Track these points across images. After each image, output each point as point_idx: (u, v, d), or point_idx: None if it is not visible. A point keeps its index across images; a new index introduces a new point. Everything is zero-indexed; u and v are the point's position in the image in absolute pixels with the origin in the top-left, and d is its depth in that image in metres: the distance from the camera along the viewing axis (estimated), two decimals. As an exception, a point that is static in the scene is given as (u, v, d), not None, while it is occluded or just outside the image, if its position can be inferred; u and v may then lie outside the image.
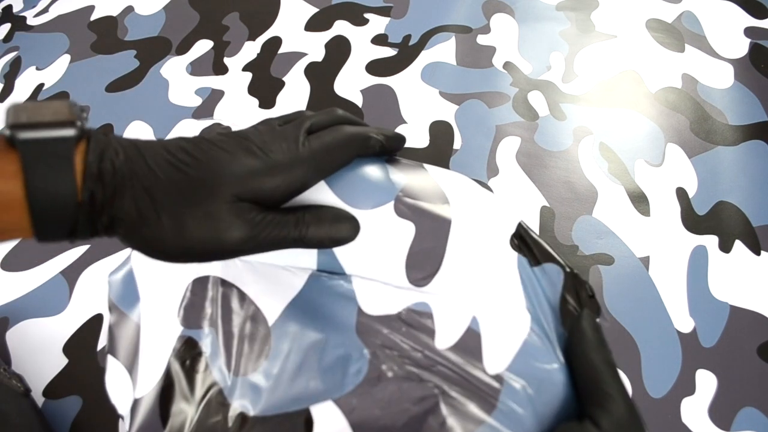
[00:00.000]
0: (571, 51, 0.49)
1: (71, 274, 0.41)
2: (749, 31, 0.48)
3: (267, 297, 0.25)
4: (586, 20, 0.51)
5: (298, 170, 0.22)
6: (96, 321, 0.39)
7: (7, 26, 0.61)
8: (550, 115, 0.45)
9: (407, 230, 0.24)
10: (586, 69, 0.47)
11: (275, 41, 0.53)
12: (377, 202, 0.24)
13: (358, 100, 0.47)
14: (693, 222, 0.38)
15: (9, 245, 0.43)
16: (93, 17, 0.60)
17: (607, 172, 0.41)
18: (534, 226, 0.39)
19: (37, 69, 0.56)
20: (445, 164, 0.43)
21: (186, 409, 0.25)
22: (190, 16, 0.57)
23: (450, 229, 0.25)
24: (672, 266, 0.37)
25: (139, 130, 0.48)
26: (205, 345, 0.26)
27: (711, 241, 0.37)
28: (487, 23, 0.51)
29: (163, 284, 0.28)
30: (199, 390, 0.25)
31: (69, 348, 0.38)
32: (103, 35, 0.57)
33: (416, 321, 0.23)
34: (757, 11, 0.50)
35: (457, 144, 0.44)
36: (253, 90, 0.50)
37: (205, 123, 0.48)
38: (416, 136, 0.44)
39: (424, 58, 0.49)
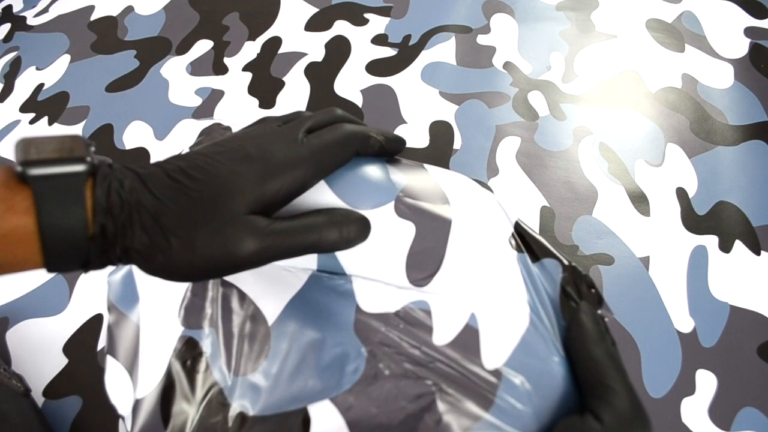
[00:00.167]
0: (571, 51, 0.49)
1: (71, 275, 0.41)
2: (749, 31, 0.48)
3: (267, 297, 0.25)
4: (586, 20, 0.51)
5: (299, 170, 0.22)
6: (96, 321, 0.39)
7: (7, 26, 0.61)
8: (550, 115, 0.45)
9: (407, 230, 0.24)
10: (586, 69, 0.47)
11: (275, 41, 0.53)
12: (378, 202, 0.24)
13: (358, 100, 0.47)
14: (693, 222, 0.38)
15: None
16: (93, 17, 0.60)
17: (607, 172, 0.41)
18: (534, 226, 0.39)
19: (37, 69, 0.56)
20: (445, 164, 0.43)
21: (187, 410, 0.25)
22: (190, 16, 0.57)
23: (450, 229, 0.25)
24: (672, 266, 0.37)
25: (139, 130, 0.48)
26: (206, 345, 0.26)
27: (711, 241, 0.37)
28: (487, 23, 0.51)
29: (163, 285, 0.28)
30: (200, 390, 0.25)
31: (69, 348, 0.38)
32: (103, 35, 0.57)
33: (414, 318, 0.23)
34: (757, 11, 0.50)
35: (457, 144, 0.44)
36: (253, 90, 0.50)
37: (205, 123, 0.48)
38: (416, 136, 0.44)
39: (424, 58, 0.49)
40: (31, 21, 0.61)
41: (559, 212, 0.39)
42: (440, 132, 0.44)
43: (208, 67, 0.52)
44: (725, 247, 0.37)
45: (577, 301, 0.24)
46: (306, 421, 0.23)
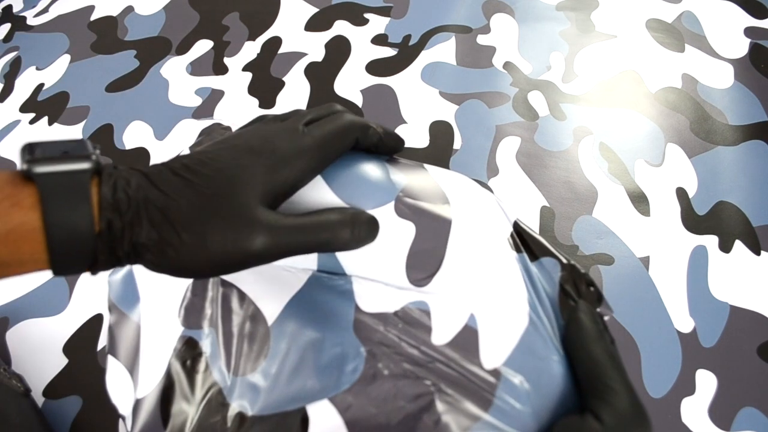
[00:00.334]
0: (571, 51, 0.49)
1: (71, 274, 0.41)
2: (749, 31, 0.48)
3: (266, 297, 0.25)
4: (586, 20, 0.51)
5: (303, 159, 0.22)
6: (96, 321, 0.39)
7: (7, 26, 0.61)
8: (550, 115, 0.45)
9: (408, 230, 0.24)
10: (586, 69, 0.47)
11: (275, 41, 0.53)
12: (378, 202, 0.24)
13: (358, 100, 0.47)
14: (693, 222, 0.38)
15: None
16: (93, 17, 0.60)
17: (607, 172, 0.41)
18: (534, 226, 0.39)
19: (37, 69, 0.56)
20: (445, 164, 0.43)
21: (187, 410, 0.25)
22: (190, 16, 0.57)
23: (450, 229, 0.25)
24: (672, 266, 0.37)
25: (139, 130, 0.48)
26: (206, 345, 0.26)
27: (711, 241, 0.37)
28: (487, 23, 0.51)
29: (163, 284, 0.28)
30: (200, 390, 0.25)
31: (69, 348, 0.38)
32: (103, 35, 0.57)
33: (413, 318, 0.23)
34: (757, 11, 0.50)
35: (457, 144, 0.44)
36: (253, 90, 0.50)
37: (205, 123, 0.48)
38: (416, 136, 0.44)
39: (424, 58, 0.49)
40: (31, 21, 0.61)
41: (559, 212, 0.39)
42: (440, 132, 0.44)
43: (208, 67, 0.52)
44: (725, 247, 0.37)
45: (576, 299, 0.24)
46: (305, 421, 0.23)
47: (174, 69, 0.53)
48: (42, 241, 0.17)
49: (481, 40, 0.50)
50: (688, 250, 0.37)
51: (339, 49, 0.51)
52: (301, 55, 0.52)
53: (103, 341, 0.38)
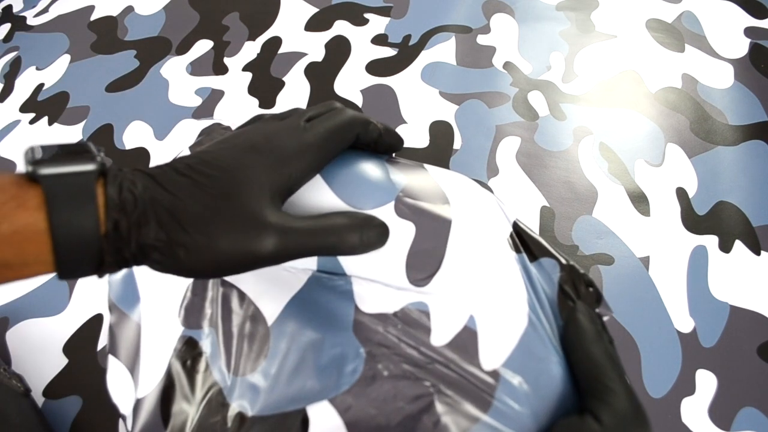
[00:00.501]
0: (571, 51, 0.49)
1: (71, 274, 0.41)
2: (749, 31, 0.48)
3: (266, 297, 0.25)
4: (586, 20, 0.51)
5: (307, 155, 0.22)
6: (96, 321, 0.39)
7: (7, 26, 0.61)
8: (550, 115, 0.45)
9: (407, 230, 0.24)
10: (586, 69, 0.47)
11: (275, 41, 0.53)
12: (378, 202, 0.24)
13: (358, 100, 0.47)
14: (693, 222, 0.38)
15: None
16: (93, 17, 0.60)
17: (607, 172, 0.41)
18: (534, 226, 0.39)
19: (37, 69, 0.56)
20: (445, 164, 0.43)
21: (187, 410, 0.25)
22: (190, 16, 0.57)
23: (450, 230, 0.25)
24: (672, 266, 0.37)
25: (139, 130, 0.48)
26: (206, 345, 0.26)
27: (711, 241, 0.37)
28: (487, 23, 0.51)
29: (163, 284, 0.28)
30: (200, 390, 0.25)
31: (69, 348, 0.38)
32: (103, 35, 0.57)
33: (413, 319, 0.23)
34: (757, 11, 0.50)
35: (457, 144, 0.44)
36: (253, 90, 0.50)
37: (205, 123, 0.48)
38: (416, 136, 0.44)
39: (424, 58, 0.49)
40: (31, 21, 0.61)
41: (559, 212, 0.39)
42: (440, 132, 0.44)
43: (208, 67, 0.52)
44: (725, 247, 0.37)
45: (575, 300, 0.24)
46: (305, 422, 0.23)
47: (174, 69, 0.53)
48: (47, 242, 0.17)
49: (481, 40, 0.50)
50: (688, 250, 0.37)
51: (339, 49, 0.51)
52: (301, 55, 0.52)
53: (103, 341, 0.38)
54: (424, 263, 0.24)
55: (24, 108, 0.52)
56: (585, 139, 0.43)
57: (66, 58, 0.56)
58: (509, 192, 0.41)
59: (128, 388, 0.26)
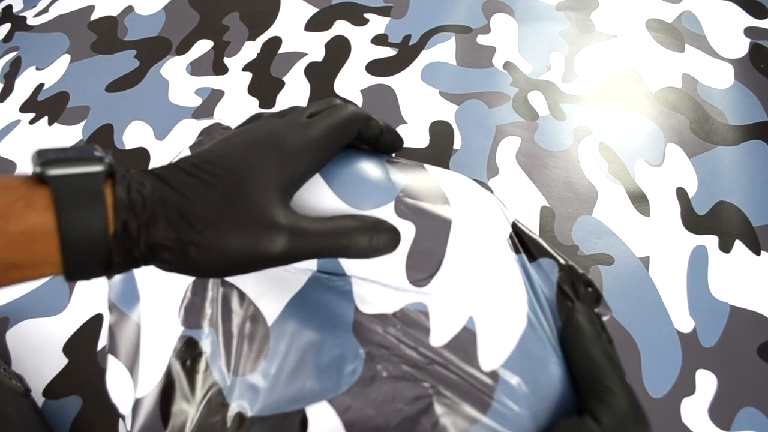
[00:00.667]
0: (571, 51, 0.49)
1: (71, 274, 0.41)
2: (749, 31, 0.48)
3: (266, 297, 0.25)
4: (586, 20, 0.51)
5: (311, 151, 0.22)
6: (96, 321, 0.39)
7: (7, 26, 0.61)
8: (550, 115, 0.45)
9: (407, 231, 0.24)
10: (586, 69, 0.47)
11: (275, 41, 0.53)
12: (378, 202, 0.24)
13: (358, 100, 0.47)
14: (693, 222, 0.38)
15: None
16: (93, 17, 0.60)
17: (607, 172, 0.41)
18: (534, 226, 0.39)
19: (37, 69, 0.56)
20: (445, 164, 0.43)
21: (187, 410, 0.25)
22: (190, 16, 0.57)
23: (450, 230, 0.25)
24: (672, 266, 0.37)
25: (139, 130, 0.48)
26: (206, 345, 0.26)
27: (711, 241, 0.37)
28: (487, 23, 0.51)
29: (163, 284, 0.28)
30: (200, 390, 0.25)
31: (69, 348, 0.38)
32: (103, 35, 0.57)
33: (412, 319, 0.23)
34: (757, 11, 0.50)
35: (457, 144, 0.44)
36: (253, 90, 0.50)
37: (205, 123, 0.48)
38: (416, 136, 0.44)
39: (424, 58, 0.49)
40: (31, 21, 0.61)
41: (559, 212, 0.39)
42: (440, 132, 0.44)
43: (208, 67, 0.52)
44: (725, 247, 0.37)
45: (574, 300, 0.24)
46: (304, 422, 0.23)
47: (174, 69, 0.53)
48: (56, 242, 0.17)
49: (481, 40, 0.50)
50: (688, 250, 0.37)
51: (339, 49, 0.51)
52: (301, 55, 0.52)
53: (103, 341, 0.38)
54: (424, 263, 0.24)
55: (24, 108, 0.52)
56: (585, 139, 0.43)
57: (66, 58, 0.56)
58: (509, 192, 0.41)
59: (128, 388, 0.26)
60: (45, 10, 0.62)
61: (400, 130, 0.45)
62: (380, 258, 0.24)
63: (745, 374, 0.33)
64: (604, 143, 0.43)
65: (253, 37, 0.54)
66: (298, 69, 0.50)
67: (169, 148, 0.47)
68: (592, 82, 0.46)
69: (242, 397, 0.24)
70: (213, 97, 0.50)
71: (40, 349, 0.38)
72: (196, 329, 0.26)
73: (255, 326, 0.25)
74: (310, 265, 0.25)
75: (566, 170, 0.41)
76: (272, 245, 0.19)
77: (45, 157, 0.18)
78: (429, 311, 0.23)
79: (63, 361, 0.37)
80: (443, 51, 0.50)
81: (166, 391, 0.25)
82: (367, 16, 0.54)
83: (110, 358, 0.27)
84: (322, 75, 0.50)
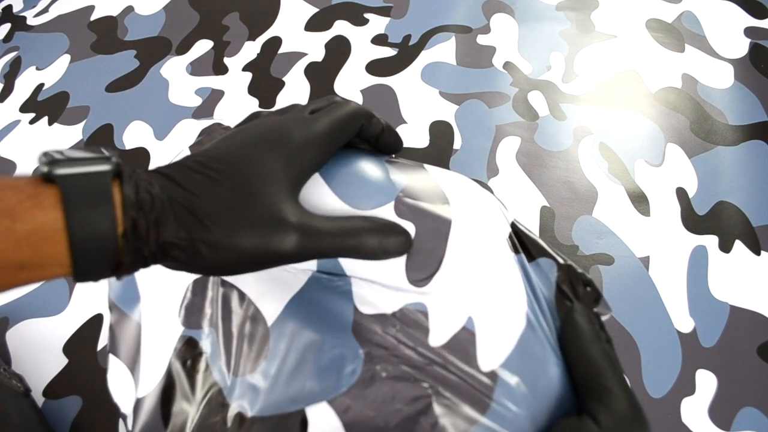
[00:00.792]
0: (571, 51, 0.49)
1: (71, 274, 0.41)
2: (749, 31, 0.48)
3: (266, 297, 0.25)
4: (586, 20, 0.51)
5: (315, 147, 0.22)
6: (96, 321, 0.39)
7: (7, 26, 0.61)
8: (550, 115, 0.45)
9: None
10: (586, 69, 0.47)
11: (275, 41, 0.53)
12: (377, 202, 0.24)
13: (358, 100, 0.47)
14: (693, 222, 0.38)
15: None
16: (93, 17, 0.60)
17: (607, 172, 0.41)
18: (534, 226, 0.39)
19: (37, 69, 0.56)
20: (445, 164, 0.43)
21: (187, 409, 0.25)
22: (190, 16, 0.57)
23: (450, 230, 0.25)
24: (672, 266, 0.37)
25: (139, 130, 0.48)
26: (206, 345, 0.26)
27: (711, 241, 0.37)
28: (487, 23, 0.51)
29: (164, 284, 0.28)
30: (200, 390, 0.25)
31: (69, 348, 0.38)
32: (103, 35, 0.57)
33: (411, 320, 0.23)
34: (757, 11, 0.50)
35: (457, 144, 0.44)
36: (253, 90, 0.50)
37: (205, 123, 0.48)
38: (416, 136, 0.44)
39: (424, 58, 0.49)
40: (31, 21, 0.61)
41: (559, 212, 0.39)
42: (440, 132, 0.44)
43: (208, 67, 0.52)
44: (725, 247, 0.37)
45: (572, 299, 0.24)
46: (304, 423, 0.23)
47: (174, 69, 0.53)
48: (64, 242, 0.17)
49: (481, 40, 0.50)
50: (688, 250, 0.37)
51: (339, 49, 0.51)
52: (301, 55, 0.52)
53: (102, 341, 0.38)
54: (423, 263, 0.24)
55: (24, 108, 0.52)
56: (585, 139, 0.43)
57: (66, 58, 0.56)
58: (509, 192, 0.41)
59: (129, 388, 0.26)
60: (45, 10, 0.62)
61: (400, 130, 0.45)
62: (380, 258, 0.24)
63: (745, 374, 0.33)
64: (604, 143, 0.43)
65: (253, 37, 0.54)
66: (298, 69, 0.50)
67: (169, 148, 0.47)
68: (592, 82, 0.46)
69: (242, 397, 0.24)
70: (213, 97, 0.50)
71: (40, 349, 0.38)
72: (196, 329, 0.26)
73: (255, 326, 0.25)
74: (310, 264, 0.25)
75: (566, 170, 0.41)
76: (283, 243, 0.19)
77: (52, 157, 0.18)
78: (428, 311, 0.23)
79: (63, 361, 0.37)
80: (443, 51, 0.50)
81: (167, 391, 0.25)
82: (367, 16, 0.54)
83: (111, 357, 0.27)
84: (322, 75, 0.50)
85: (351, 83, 0.48)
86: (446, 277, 0.24)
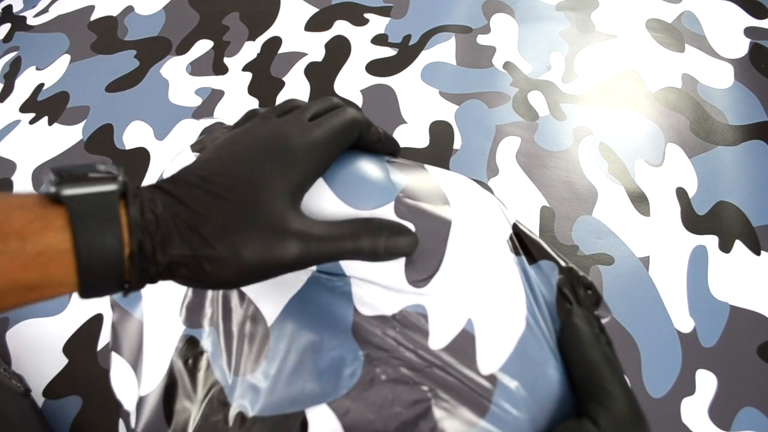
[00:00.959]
0: (571, 51, 0.49)
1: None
2: (749, 31, 0.48)
3: (266, 297, 0.25)
4: (586, 20, 0.51)
5: (316, 155, 0.22)
6: (96, 321, 0.39)
7: (7, 26, 0.61)
8: (550, 115, 0.45)
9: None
10: (586, 69, 0.47)
11: (275, 41, 0.53)
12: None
13: (358, 100, 0.47)
14: (693, 222, 0.38)
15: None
16: (93, 17, 0.60)
17: (607, 172, 0.41)
18: (534, 226, 0.39)
19: (37, 69, 0.56)
20: (445, 164, 0.43)
21: (189, 408, 0.25)
22: (190, 16, 0.57)
23: (450, 230, 0.25)
24: (672, 266, 0.37)
25: (139, 130, 0.48)
26: (207, 344, 0.26)
27: (711, 241, 0.37)
28: (487, 23, 0.51)
29: (165, 283, 0.28)
30: (201, 389, 0.25)
31: (69, 348, 0.38)
32: (103, 35, 0.57)
33: (411, 322, 0.23)
34: (757, 11, 0.50)
35: (457, 144, 0.44)
36: (253, 90, 0.50)
37: (206, 123, 0.48)
38: (416, 136, 0.44)
39: (424, 58, 0.49)
40: (31, 21, 0.61)
41: (559, 212, 0.39)
42: (440, 132, 0.44)
43: (208, 67, 0.52)
44: (725, 247, 0.37)
45: (572, 302, 0.24)
46: (304, 424, 0.23)
47: (174, 69, 0.52)
48: (72, 262, 0.17)
49: (481, 40, 0.50)
50: (688, 250, 0.37)
51: (339, 49, 0.51)
52: (301, 55, 0.52)
53: (102, 341, 0.38)
54: (423, 264, 0.24)
55: (24, 108, 0.52)
56: (585, 139, 0.43)
57: (66, 58, 0.56)
58: (509, 192, 0.41)
59: (132, 385, 0.26)
60: (45, 10, 0.62)
61: (400, 130, 0.45)
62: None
63: (745, 374, 0.33)
64: (604, 143, 0.43)
65: (253, 37, 0.54)
66: (298, 69, 0.50)
67: (169, 148, 0.47)
68: (592, 82, 0.46)
69: (243, 396, 0.24)
70: (213, 97, 0.50)
71: (40, 349, 0.38)
72: (197, 328, 0.26)
73: (255, 326, 0.25)
74: (310, 265, 0.25)
75: (566, 170, 0.41)
76: (285, 252, 0.19)
77: (59, 176, 0.18)
78: (428, 314, 0.23)
79: (63, 361, 0.37)
80: (443, 51, 0.50)
81: (169, 390, 0.25)
82: (367, 16, 0.54)
83: (114, 355, 0.27)
84: (322, 75, 0.50)
85: (351, 83, 0.48)
86: (446, 278, 0.24)
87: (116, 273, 0.18)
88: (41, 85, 0.54)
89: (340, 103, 0.25)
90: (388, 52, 0.50)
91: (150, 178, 0.45)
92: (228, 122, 0.47)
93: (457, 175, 0.28)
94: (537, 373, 0.22)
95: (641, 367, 0.33)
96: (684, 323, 0.35)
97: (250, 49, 0.53)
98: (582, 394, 0.21)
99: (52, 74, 0.55)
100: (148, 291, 0.28)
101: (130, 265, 0.18)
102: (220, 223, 0.19)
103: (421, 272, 0.24)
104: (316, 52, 0.52)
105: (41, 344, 0.38)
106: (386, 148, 0.27)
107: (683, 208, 0.39)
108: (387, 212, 0.24)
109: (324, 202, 0.24)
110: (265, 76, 0.50)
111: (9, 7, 0.63)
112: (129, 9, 0.59)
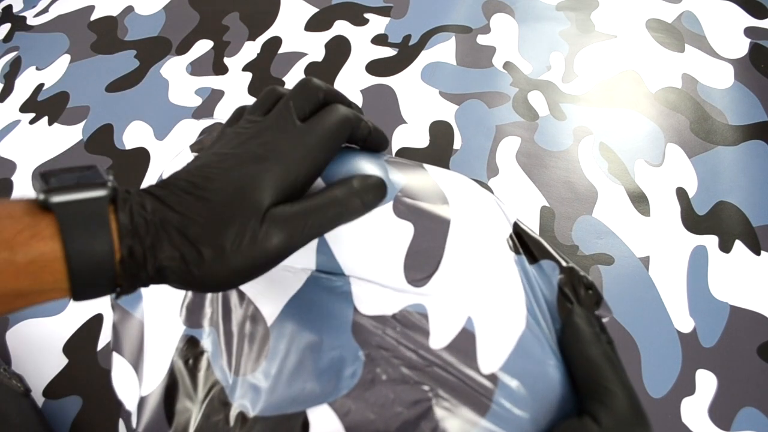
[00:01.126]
0: (571, 51, 0.49)
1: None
2: (749, 31, 0.48)
3: (266, 297, 0.25)
4: (586, 20, 0.51)
5: (310, 160, 0.22)
6: (96, 321, 0.39)
7: (7, 26, 0.61)
8: (550, 115, 0.45)
9: (406, 230, 0.24)
10: (586, 69, 0.47)
11: (275, 41, 0.53)
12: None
13: (358, 100, 0.47)
14: (693, 222, 0.38)
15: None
16: (93, 17, 0.60)
17: (607, 172, 0.41)
18: (534, 226, 0.39)
19: (37, 69, 0.56)
20: (445, 164, 0.43)
21: (190, 408, 0.25)
22: (190, 16, 0.57)
23: (449, 230, 0.25)
24: (672, 266, 0.37)
25: (139, 130, 0.48)
26: (207, 344, 0.26)
27: (711, 241, 0.37)
28: (487, 23, 0.51)
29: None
30: (202, 388, 0.25)
31: (69, 348, 0.38)
32: (103, 35, 0.57)
33: (411, 322, 0.23)
34: (757, 11, 0.50)
35: (457, 144, 0.44)
36: (253, 90, 0.50)
37: (205, 123, 0.48)
38: (416, 136, 0.44)
39: (424, 58, 0.49)
40: (31, 21, 0.61)
41: (559, 212, 0.39)
42: (440, 132, 0.44)
43: (208, 67, 0.52)
44: (725, 247, 0.37)
45: (573, 302, 0.24)
46: (305, 425, 0.23)
47: (174, 69, 0.53)
48: (63, 270, 0.17)
49: (481, 40, 0.50)
50: (688, 250, 0.37)
51: (339, 49, 0.51)
52: (301, 55, 0.52)
53: (102, 341, 0.38)
54: (422, 263, 0.24)
55: (24, 108, 0.52)
56: (585, 139, 0.43)
57: (66, 58, 0.56)
58: (509, 192, 0.41)
59: (133, 385, 0.26)
60: (45, 10, 0.62)
61: (400, 129, 0.45)
62: (379, 258, 0.24)
63: (745, 374, 0.33)
64: (604, 143, 0.43)
65: (253, 37, 0.54)
66: (298, 69, 0.50)
67: (169, 148, 0.47)
68: (592, 82, 0.46)
69: (244, 396, 0.24)
70: (213, 97, 0.50)
71: (40, 349, 0.38)
72: (197, 328, 0.26)
73: (255, 326, 0.25)
74: (309, 264, 0.25)
75: (566, 170, 0.41)
76: (269, 241, 0.20)
77: (47, 183, 0.18)
78: (428, 313, 0.23)
79: (63, 361, 0.37)
80: (443, 51, 0.50)
81: (170, 390, 0.25)
82: (367, 16, 0.54)
83: (115, 355, 0.27)
84: (322, 75, 0.49)
85: (351, 83, 0.48)
86: (445, 277, 0.24)
87: (108, 278, 0.18)
88: (41, 85, 0.54)
89: (323, 89, 0.24)
90: (388, 52, 0.50)
91: (150, 178, 0.45)
92: (228, 122, 0.47)
93: (456, 175, 0.28)
94: (538, 372, 0.22)
95: (641, 367, 0.33)
96: (684, 323, 0.35)
97: (250, 49, 0.53)
98: (583, 393, 0.21)
99: (52, 74, 0.55)
100: (149, 291, 0.28)
101: (121, 270, 0.18)
102: (205, 225, 0.19)
103: (420, 271, 0.24)
104: (316, 52, 0.52)
105: (41, 344, 0.38)
106: (375, 141, 0.26)
107: (683, 208, 0.39)
108: (385, 211, 0.24)
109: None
110: (265, 76, 0.50)
111: (9, 7, 0.63)
112: (129, 9, 0.59)
